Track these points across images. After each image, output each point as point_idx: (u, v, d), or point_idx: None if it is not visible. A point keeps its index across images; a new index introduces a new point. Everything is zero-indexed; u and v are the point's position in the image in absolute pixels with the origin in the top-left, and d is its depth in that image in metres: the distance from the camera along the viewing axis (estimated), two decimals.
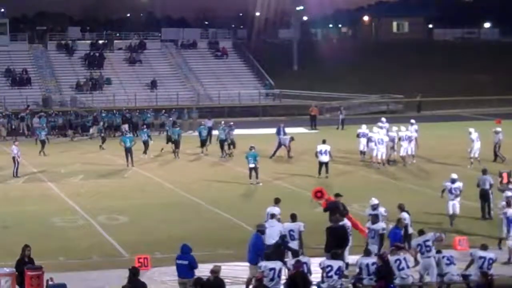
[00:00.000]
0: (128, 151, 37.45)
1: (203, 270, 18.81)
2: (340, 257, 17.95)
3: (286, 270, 18.57)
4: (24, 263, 17.78)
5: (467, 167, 35.14)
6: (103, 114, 51.51)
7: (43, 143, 41.89)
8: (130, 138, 38.31)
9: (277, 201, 22.25)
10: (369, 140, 37.18)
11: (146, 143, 39.74)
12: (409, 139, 36.70)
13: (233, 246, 22.34)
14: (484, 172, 26.53)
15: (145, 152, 39.68)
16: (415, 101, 64.29)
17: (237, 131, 42.10)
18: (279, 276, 16.99)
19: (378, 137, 36.60)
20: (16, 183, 34.07)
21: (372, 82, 70.54)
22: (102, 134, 44.94)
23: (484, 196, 25.85)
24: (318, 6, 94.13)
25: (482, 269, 17.50)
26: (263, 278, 16.41)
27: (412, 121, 39.69)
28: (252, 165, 32.53)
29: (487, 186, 25.79)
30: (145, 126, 43.91)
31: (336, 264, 17.32)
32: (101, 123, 47.15)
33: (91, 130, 49.98)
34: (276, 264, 17.06)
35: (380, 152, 36.25)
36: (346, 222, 20.29)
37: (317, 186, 25.44)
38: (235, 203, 28.92)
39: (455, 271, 18.02)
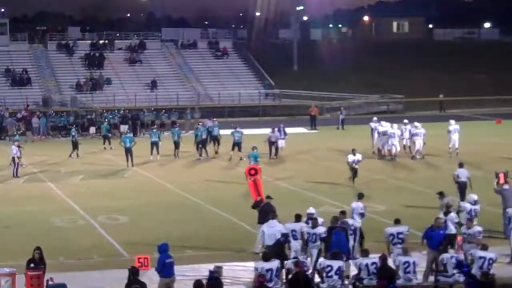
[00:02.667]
0: (128, 151, 37.42)
1: (203, 271, 18.85)
2: (339, 256, 17.94)
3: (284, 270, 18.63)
4: (32, 263, 17.78)
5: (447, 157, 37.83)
6: (105, 114, 51.56)
7: (75, 144, 40.78)
8: (130, 138, 38.28)
9: (360, 196, 22.32)
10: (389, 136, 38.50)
11: (156, 144, 39.63)
12: (396, 135, 38.33)
13: (233, 246, 22.31)
14: (461, 165, 27.54)
15: (157, 153, 39.53)
16: (437, 100, 64.44)
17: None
18: (277, 276, 16.98)
19: (391, 130, 38.30)
20: (16, 183, 34.06)
21: (372, 82, 70.55)
22: (104, 134, 44.68)
23: (462, 189, 26.74)
24: (318, 6, 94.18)
25: (482, 269, 17.49)
26: (265, 279, 16.36)
27: (405, 121, 40.36)
28: None
29: (465, 179, 26.79)
30: (154, 127, 43.78)
31: (336, 264, 17.31)
32: (106, 123, 46.95)
33: (90, 130, 50.00)
34: (273, 264, 17.05)
35: (390, 145, 38.00)
36: (347, 221, 20.15)
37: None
38: (235, 203, 28.88)
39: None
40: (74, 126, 46.26)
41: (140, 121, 51.01)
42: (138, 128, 50.17)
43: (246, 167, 24.26)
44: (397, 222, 19.65)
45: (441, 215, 20.49)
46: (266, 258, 17.20)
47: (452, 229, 20.29)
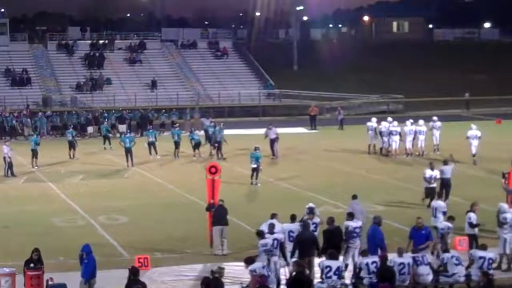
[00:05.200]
0: (128, 151, 37.42)
1: (203, 271, 18.85)
2: (337, 256, 17.94)
3: (286, 269, 18.65)
4: (31, 264, 17.79)
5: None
6: (105, 114, 51.59)
7: (71, 144, 40.32)
8: (129, 138, 38.28)
9: (440, 195, 22.95)
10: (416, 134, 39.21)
11: (153, 144, 39.61)
12: (398, 133, 39.01)
13: (233, 246, 22.29)
14: (446, 162, 27.90)
15: (156, 152, 39.49)
16: (463, 100, 64.81)
17: (236, 131, 41.95)
18: (271, 271, 17.06)
19: (419, 128, 39.14)
20: (16, 183, 34.04)
21: (372, 82, 70.54)
22: (105, 134, 44.70)
23: (445, 186, 27.23)
24: (318, 6, 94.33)
25: (482, 269, 17.49)
26: (265, 279, 16.38)
27: (411, 120, 40.83)
28: (254, 166, 32.55)
29: (449, 176, 27.24)
30: (151, 127, 43.78)
31: (335, 264, 17.31)
32: (105, 123, 46.98)
33: (89, 130, 49.99)
34: (263, 262, 17.13)
35: (411, 142, 39.03)
36: (351, 223, 20.03)
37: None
38: (235, 203, 28.70)
39: (462, 272, 17.93)
40: (72, 126, 46.11)
41: (137, 121, 51.26)
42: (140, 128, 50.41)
43: (207, 164, 24.10)
44: (450, 218, 20.23)
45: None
46: (250, 260, 17.09)
47: (469, 228, 20.54)
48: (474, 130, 37.17)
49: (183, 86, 67.52)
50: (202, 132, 43.16)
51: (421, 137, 39.16)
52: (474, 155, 36.56)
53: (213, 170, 22.86)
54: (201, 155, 39.65)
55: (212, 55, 73.54)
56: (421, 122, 39.74)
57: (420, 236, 19.10)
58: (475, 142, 36.80)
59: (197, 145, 39.80)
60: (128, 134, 40.62)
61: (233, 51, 74.49)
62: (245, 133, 47.40)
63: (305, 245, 18.64)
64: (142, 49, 72.09)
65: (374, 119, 41.27)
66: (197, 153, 39.72)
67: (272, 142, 39.27)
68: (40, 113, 52.27)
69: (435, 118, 40.82)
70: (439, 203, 22.08)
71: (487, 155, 37.54)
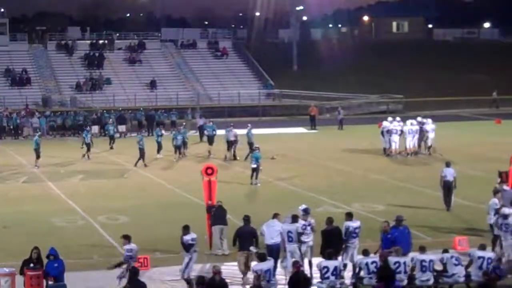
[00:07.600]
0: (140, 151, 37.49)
1: (203, 271, 18.84)
2: (335, 256, 17.94)
3: (284, 269, 18.65)
4: (30, 263, 17.79)
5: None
6: (107, 114, 51.64)
7: (88, 146, 40.15)
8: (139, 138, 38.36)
9: (496, 191, 22.30)
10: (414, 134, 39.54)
11: (157, 143, 39.66)
12: (397, 132, 39.20)
13: (233, 246, 22.27)
14: (448, 164, 27.49)
15: (157, 152, 39.55)
16: (491, 99, 65.11)
17: (236, 131, 41.86)
18: (274, 276, 17.06)
19: (408, 127, 39.34)
20: (16, 183, 34.05)
21: (372, 82, 70.53)
22: (111, 134, 44.74)
23: (448, 188, 26.89)
24: (318, 6, 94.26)
25: (481, 269, 17.49)
26: (261, 280, 16.40)
27: (411, 120, 40.68)
28: (254, 166, 32.55)
29: (451, 178, 26.82)
30: (161, 126, 43.81)
31: (332, 264, 17.33)
32: (111, 121, 47.05)
33: (93, 130, 49.93)
34: (270, 264, 17.12)
35: (411, 142, 39.26)
36: (351, 224, 19.98)
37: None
38: (235, 203, 28.72)
39: (462, 272, 17.92)
40: (46, 126, 46.10)
41: (139, 121, 51.37)
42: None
43: (203, 165, 24.10)
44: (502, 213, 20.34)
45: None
46: (262, 258, 17.20)
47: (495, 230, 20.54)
48: (430, 125, 39.65)
49: (183, 86, 67.55)
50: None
51: (412, 137, 39.05)
52: (429, 147, 39.41)
53: (209, 171, 22.91)
54: (178, 156, 39.42)
55: (212, 55, 73.56)
56: (414, 122, 39.58)
57: (385, 240, 18.98)
58: (431, 135, 39.38)
59: (179, 147, 39.65)
60: (138, 134, 40.67)
61: (233, 51, 74.50)
62: (244, 133, 47.31)
63: (242, 239, 19.52)
64: (142, 49, 72.12)
65: (390, 119, 40.97)
66: (177, 155, 39.54)
67: (231, 144, 38.97)
68: (37, 113, 52.30)
69: (419, 118, 40.54)
70: (492, 201, 21.81)
71: (487, 155, 37.56)
